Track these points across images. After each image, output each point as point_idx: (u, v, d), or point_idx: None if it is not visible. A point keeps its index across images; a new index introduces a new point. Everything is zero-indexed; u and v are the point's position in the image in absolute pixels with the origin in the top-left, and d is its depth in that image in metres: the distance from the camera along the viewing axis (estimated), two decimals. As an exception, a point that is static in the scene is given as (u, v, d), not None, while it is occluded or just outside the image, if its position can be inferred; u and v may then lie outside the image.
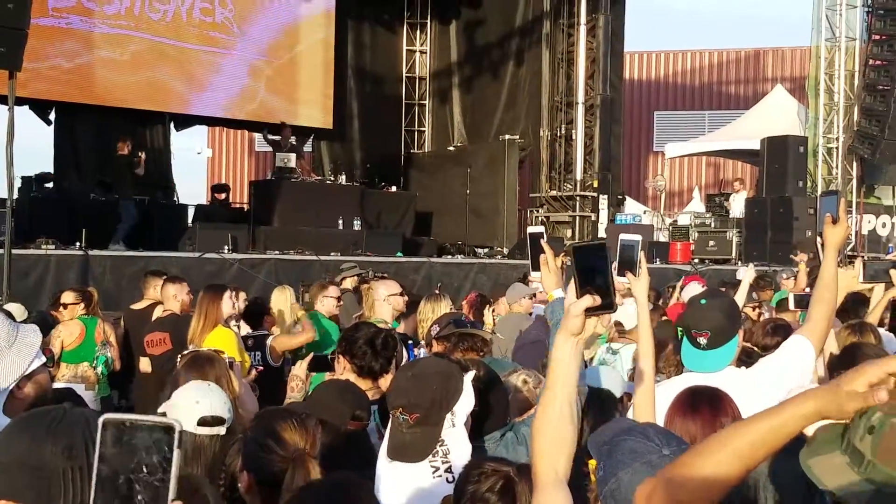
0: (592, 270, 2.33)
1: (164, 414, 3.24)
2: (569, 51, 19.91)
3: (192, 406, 3.12)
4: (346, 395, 3.39)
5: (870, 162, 19.92)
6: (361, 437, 3.25)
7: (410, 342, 6.62)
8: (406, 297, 7.27)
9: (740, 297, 8.08)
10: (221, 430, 3.10)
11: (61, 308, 8.18)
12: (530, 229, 2.66)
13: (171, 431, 1.49)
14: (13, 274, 11.11)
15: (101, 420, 1.51)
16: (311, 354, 4.45)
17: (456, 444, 2.86)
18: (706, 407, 3.14)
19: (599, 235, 18.92)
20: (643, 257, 3.44)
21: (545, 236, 2.59)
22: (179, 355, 3.86)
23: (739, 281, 10.94)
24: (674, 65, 33.73)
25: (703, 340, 3.92)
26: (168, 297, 7.99)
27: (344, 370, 4.12)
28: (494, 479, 2.43)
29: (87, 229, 12.83)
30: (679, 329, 4.85)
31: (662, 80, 33.66)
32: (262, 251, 14.71)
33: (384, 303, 6.90)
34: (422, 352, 5.94)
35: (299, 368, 4.26)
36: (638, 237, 3.45)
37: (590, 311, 2.32)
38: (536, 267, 3.36)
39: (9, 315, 3.06)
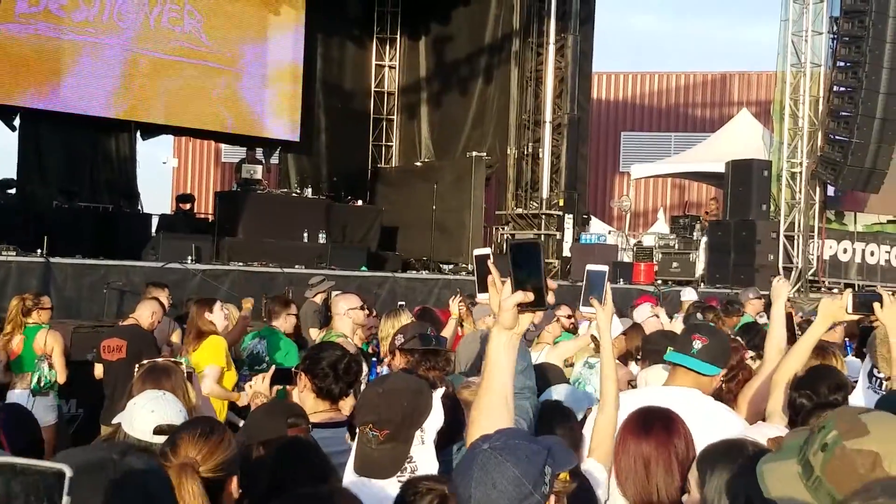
0: (527, 268, 2.40)
1: (118, 426, 3.22)
2: (537, 69, 20.00)
3: (147, 415, 3.11)
4: (275, 410, 3.41)
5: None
6: (309, 444, 3.25)
7: (374, 360, 6.61)
8: (367, 312, 7.26)
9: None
10: None
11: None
12: (476, 252, 2.70)
13: (60, 478, 1.43)
14: (-28, 280, 10.99)
15: None
16: (273, 368, 4.41)
17: (424, 461, 2.86)
18: (659, 428, 3.15)
19: (564, 254, 19.01)
20: (608, 287, 3.49)
21: (492, 257, 2.63)
22: (137, 365, 3.82)
23: (693, 303, 11.01)
24: (641, 86, 34.00)
25: (698, 344, 3.97)
26: (145, 310, 7.93)
27: (304, 388, 4.11)
28: (430, 498, 2.41)
29: (49, 236, 12.68)
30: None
31: (630, 101, 33.92)
32: (226, 262, 14.61)
33: (344, 317, 6.88)
34: (384, 369, 5.93)
35: (261, 384, 4.23)
36: (605, 267, 3.51)
37: (523, 308, 2.39)
38: (484, 289, 3.40)
39: None
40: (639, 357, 6.68)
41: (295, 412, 3.40)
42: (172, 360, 4.09)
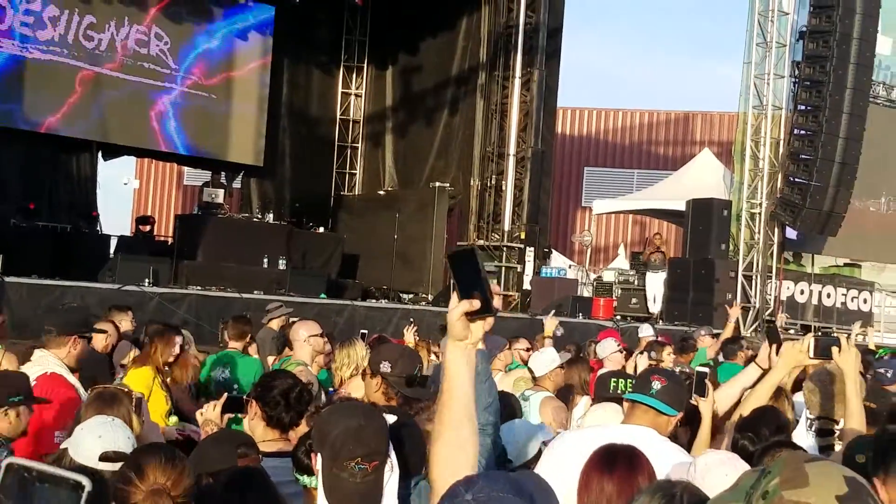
0: (469, 277, 2.40)
1: (64, 450, 3.17)
2: (503, 102, 20.11)
3: (94, 441, 3.06)
4: (222, 440, 3.37)
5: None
6: (259, 473, 3.21)
7: (332, 390, 6.56)
8: (326, 339, 7.22)
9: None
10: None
11: None
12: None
13: (79, 489, 1.42)
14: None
15: (3, 463, 1.44)
16: (225, 395, 4.36)
17: (389, 490, 2.85)
18: (624, 465, 3.14)
19: (525, 287, 19.04)
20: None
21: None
22: (88, 390, 3.77)
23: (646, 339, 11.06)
24: (605, 122, 34.30)
25: (657, 384, 3.99)
26: (99, 335, 7.81)
27: (255, 416, 4.07)
28: None
29: (5, 255, 12.52)
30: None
31: (594, 137, 34.20)
32: (184, 286, 14.50)
33: (304, 343, 6.83)
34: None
35: (211, 412, 4.18)
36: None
37: (472, 317, 2.39)
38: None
39: None
40: (584, 391, 6.68)
41: (244, 441, 3.36)
42: (121, 386, 4.04)
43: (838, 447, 4.26)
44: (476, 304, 2.38)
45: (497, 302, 2.45)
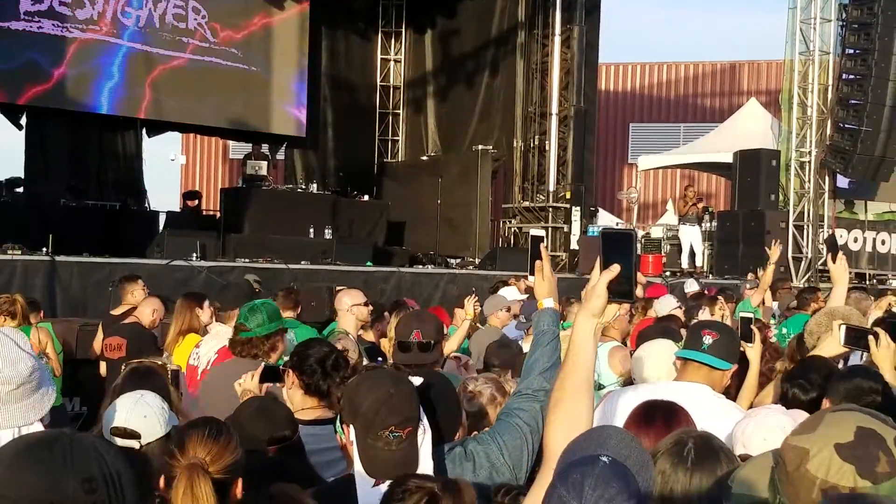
0: (617, 258, 2.40)
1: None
2: (543, 61, 19.89)
3: (111, 416, 3.12)
4: (259, 417, 3.35)
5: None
6: (284, 458, 3.21)
7: (380, 358, 6.57)
8: (370, 307, 7.24)
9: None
10: (135, 444, 3.07)
11: None
12: (532, 231, 2.67)
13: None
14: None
15: None
16: (262, 365, 4.37)
17: (424, 454, 2.85)
18: (661, 421, 3.12)
19: (572, 247, 18.91)
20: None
21: (545, 241, 2.60)
22: (124, 365, 3.80)
23: (698, 292, 10.95)
24: (649, 77, 33.85)
25: (708, 339, 3.94)
26: (146, 307, 7.91)
27: (292, 385, 4.08)
28: (419, 496, 2.39)
29: (54, 234, 12.68)
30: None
31: (637, 92, 33.78)
32: (232, 259, 14.60)
33: (348, 313, 6.86)
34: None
35: (250, 381, 4.19)
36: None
37: (610, 299, 2.41)
38: (533, 271, 3.36)
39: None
40: None
41: (281, 426, 3.34)
42: (158, 361, 4.06)
43: None
44: (616, 268, 2.43)
45: (638, 290, 2.46)
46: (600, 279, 2.43)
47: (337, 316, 7.10)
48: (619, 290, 2.42)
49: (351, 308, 6.85)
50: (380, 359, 6.44)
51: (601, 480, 1.81)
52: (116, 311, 8.99)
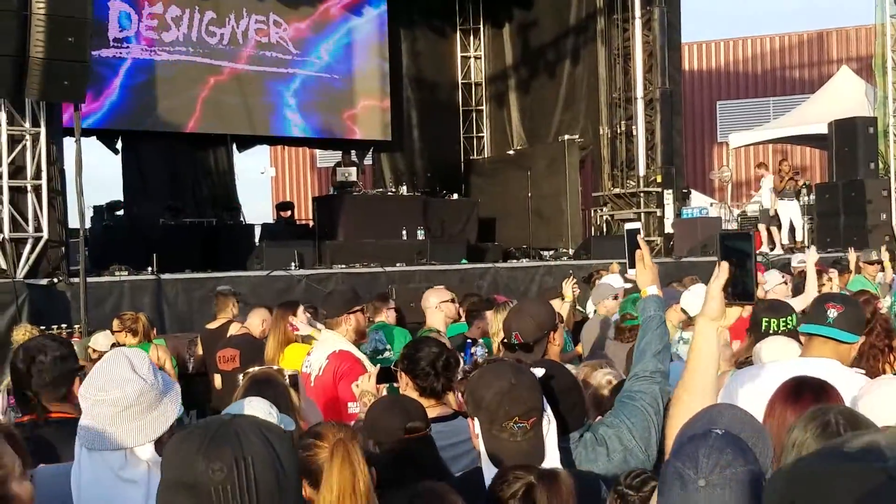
0: (736, 260, 2.38)
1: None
2: (624, 46, 19.66)
3: None
4: (394, 410, 3.39)
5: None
6: (419, 448, 3.24)
7: (469, 341, 6.60)
8: (457, 304, 7.28)
9: (811, 283, 7.92)
10: None
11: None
12: (627, 225, 2.67)
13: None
14: (89, 302, 11.35)
15: None
16: (378, 367, 4.42)
17: (550, 443, 2.87)
18: (809, 397, 3.05)
19: (667, 231, 18.67)
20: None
21: (641, 233, 2.60)
22: (241, 375, 3.87)
23: (800, 268, 10.74)
24: (734, 53, 33.23)
25: (833, 312, 3.87)
26: (255, 318, 8.07)
27: (406, 387, 4.12)
28: (517, 486, 2.48)
29: (157, 253, 13.01)
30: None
31: (723, 69, 33.18)
32: (329, 266, 14.78)
33: (436, 311, 6.90)
34: (478, 350, 5.92)
35: (367, 383, 4.24)
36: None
37: (731, 301, 2.39)
38: (633, 264, 3.37)
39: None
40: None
41: (414, 416, 3.38)
42: (275, 367, 4.12)
43: None
44: (726, 268, 2.44)
45: (760, 292, 2.45)
46: (714, 282, 2.43)
47: (425, 315, 7.13)
48: (740, 293, 2.38)
49: (439, 305, 6.90)
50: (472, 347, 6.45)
51: (715, 449, 1.83)
52: (212, 325, 9.16)
